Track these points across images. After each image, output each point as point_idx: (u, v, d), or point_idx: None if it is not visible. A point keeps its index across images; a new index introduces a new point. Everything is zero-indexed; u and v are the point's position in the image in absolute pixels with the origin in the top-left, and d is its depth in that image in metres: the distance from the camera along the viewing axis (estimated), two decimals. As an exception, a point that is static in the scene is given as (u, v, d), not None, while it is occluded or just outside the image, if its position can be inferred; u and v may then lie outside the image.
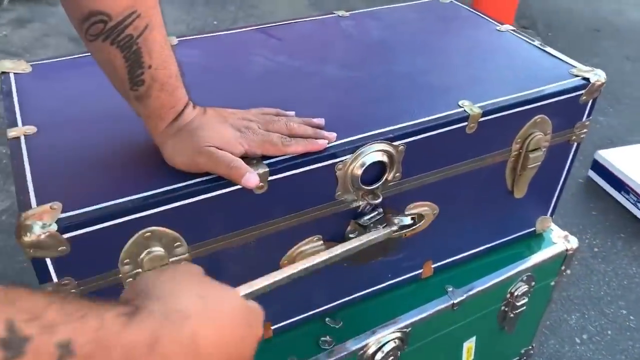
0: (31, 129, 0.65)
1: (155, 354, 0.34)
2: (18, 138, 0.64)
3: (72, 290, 0.58)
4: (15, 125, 0.66)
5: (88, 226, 0.54)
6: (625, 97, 2.04)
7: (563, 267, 0.99)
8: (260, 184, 0.61)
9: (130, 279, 0.60)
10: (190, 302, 0.39)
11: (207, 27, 2.48)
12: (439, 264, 0.89)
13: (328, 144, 0.65)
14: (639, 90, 2.09)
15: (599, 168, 1.62)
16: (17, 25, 2.47)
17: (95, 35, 0.53)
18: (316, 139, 0.64)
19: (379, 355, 0.81)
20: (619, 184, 1.55)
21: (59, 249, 0.54)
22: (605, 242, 1.45)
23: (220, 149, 0.58)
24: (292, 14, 2.61)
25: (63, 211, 0.54)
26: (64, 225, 0.53)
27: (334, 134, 0.65)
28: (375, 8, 1.00)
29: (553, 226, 0.98)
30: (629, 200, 1.53)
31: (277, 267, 0.72)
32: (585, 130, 0.85)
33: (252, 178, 0.58)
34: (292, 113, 0.67)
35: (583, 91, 0.79)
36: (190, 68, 0.66)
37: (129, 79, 0.55)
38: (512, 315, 0.97)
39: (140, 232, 0.58)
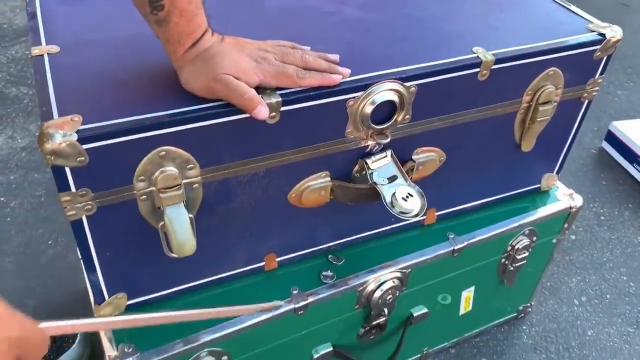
0: (54, 48, 0.68)
1: None
2: (42, 56, 0.66)
3: (89, 202, 0.61)
4: (40, 44, 0.69)
5: (106, 139, 0.57)
6: (647, 72, 2.02)
7: (566, 225, 1.00)
8: (272, 114, 0.63)
9: (144, 197, 0.63)
10: None
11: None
12: (442, 212, 0.91)
13: (342, 79, 0.66)
14: (661, 66, 2.06)
15: (613, 139, 1.62)
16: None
17: None
18: (331, 73, 0.66)
19: (378, 293, 0.84)
20: (632, 156, 1.55)
21: (78, 159, 0.56)
22: (613, 211, 1.46)
23: (236, 78, 0.60)
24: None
25: (83, 123, 0.57)
26: (84, 136, 0.56)
27: (348, 70, 0.67)
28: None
29: (559, 184, 1.00)
30: (640, 172, 1.53)
31: (284, 200, 0.74)
32: (597, 88, 0.85)
33: (263, 110, 0.61)
34: (308, 48, 0.69)
35: (598, 47, 0.79)
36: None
37: (149, 2, 0.57)
38: (511, 268, 0.99)
39: (156, 151, 0.60)
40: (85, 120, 0.57)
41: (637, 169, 1.54)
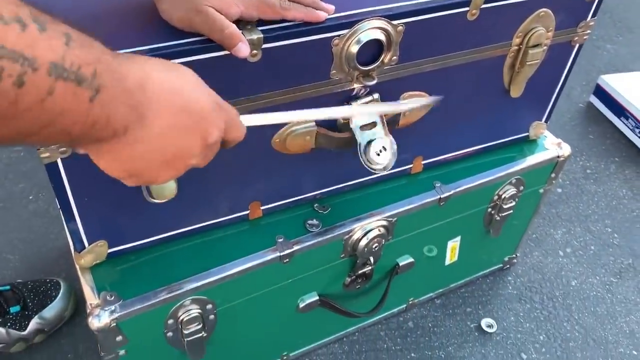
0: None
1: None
2: None
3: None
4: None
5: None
6: (636, 26, 1.99)
7: (553, 175, 1.00)
8: (254, 51, 0.61)
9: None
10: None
11: None
12: (429, 160, 0.90)
13: (327, 17, 0.63)
14: (651, 20, 2.04)
15: (601, 93, 1.60)
16: None
17: None
18: (315, 9, 0.63)
19: (364, 241, 0.83)
20: (620, 109, 1.54)
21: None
22: (599, 165, 1.46)
23: (217, 10, 0.57)
24: None
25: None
26: (55, 71, 0.53)
27: (332, 7, 0.64)
28: None
29: (547, 133, 0.99)
30: (627, 126, 1.52)
31: (268, 145, 0.72)
32: (588, 31, 0.83)
33: (243, 48, 0.58)
34: None
35: (591, -14, 0.77)
36: None
37: None
38: (498, 218, 0.99)
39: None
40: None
41: (624, 123, 1.54)
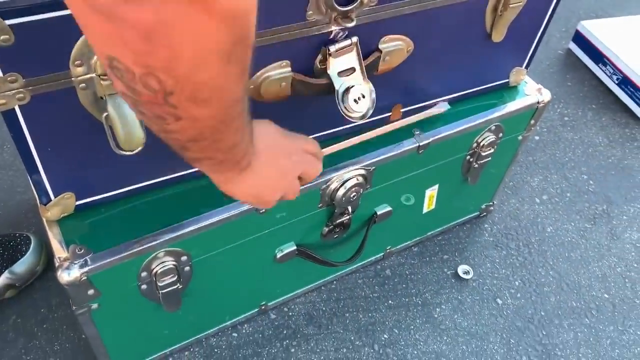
0: None
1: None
2: None
3: (20, 90, 0.55)
4: None
5: (34, 13, 0.50)
6: (617, -29, 1.96)
7: (532, 121, 0.98)
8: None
9: (83, 85, 0.57)
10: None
11: None
12: (408, 108, 0.87)
13: None
14: (632, -35, 2.00)
15: (580, 39, 1.58)
16: None
17: None
18: None
19: (342, 191, 0.82)
20: (598, 56, 1.53)
21: (2, 37, 0.50)
22: (576, 112, 1.46)
23: None
24: None
25: (3, -5, 0.49)
26: (5, 9, 0.49)
27: None
28: None
29: (527, 79, 0.97)
30: (605, 73, 1.51)
31: (242, 92, 0.69)
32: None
33: None
34: None
35: None
36: None
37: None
38: (476, 165, 0.98)
39: (92, 30, 0.53)
40: (6, -8, 0.50)
41: (602, 70, 1.53)
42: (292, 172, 0.63)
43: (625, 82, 1.46)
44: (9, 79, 0.53)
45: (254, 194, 0.58)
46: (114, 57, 0.35)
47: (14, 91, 0.54)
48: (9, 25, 0.49)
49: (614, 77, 1.49)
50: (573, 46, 1.62)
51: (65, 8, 0.51)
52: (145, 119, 0.41)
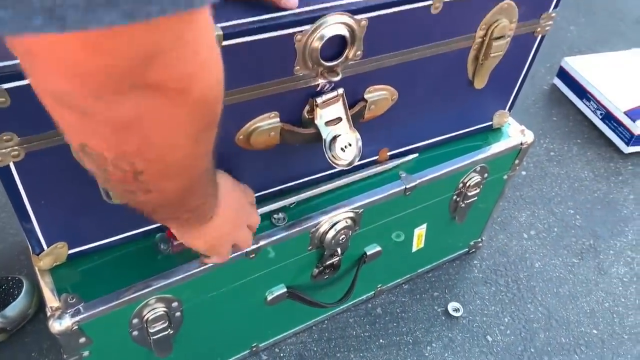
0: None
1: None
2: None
3: (15, 148, 0.56)
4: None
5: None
6: (599, 8, 2.02)
7: (517, 161, 1.01)
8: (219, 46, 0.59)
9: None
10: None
11: None
12: (394, 151, 0.90)
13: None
14: (612, 2, 2.06)
15: (564, 75, 1.63)
16: None
17: None
18: None
19: (331, 233, 0.83)
20: (582, 91, 1.57)
21: (-2, 100, 0.52)
22: (562, 147, 1.49)
23: None
24: None
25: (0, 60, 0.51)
26: (3, 74, 0.51)
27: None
28: None
29: (510, 120, 1.00)
30: (589, 108, 1.55)
31: (232, 142, 0.71)
32: (550, 22, 0.84)
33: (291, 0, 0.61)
34: None
35: (553, -22, 0.77)
36: None
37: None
38: (463, 205, 1.00)
39: (86, 91, 0.55)
40: (2, 56, 0.52)
41: (586, 105, 1.57)
42: (245, 223, 0.69)
43: (608, 117, 1.49)
44: (4, 138, 0.55)
45: (210, 246, 0.64)
46: (85, 144, 0.37)
47: (9, 149, 0.56)
48: (5, 88, 0.51)
49: (598, 112, 1.53)
50: (557, 82, 1.66)
51: (60, 71, 0.53)
52: (114, 192, 0.44)
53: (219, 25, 0.59)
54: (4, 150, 0.56)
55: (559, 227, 1.29)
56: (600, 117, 1.52)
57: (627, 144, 1.45)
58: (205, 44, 0.35)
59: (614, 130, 1.49)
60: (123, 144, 0.36)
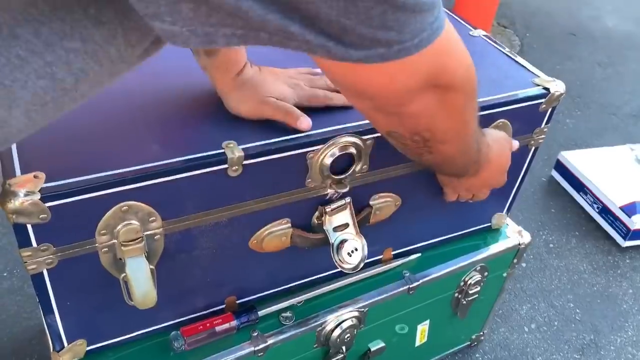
0: (17, 100, 0.68)
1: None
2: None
3: (50, 256, 0.61)
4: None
5: (69, 197, 0.58)
6: (593, 102, 2.12)
7: (515, 260, 1.05)
8: (234, 167, 0.65)
9: (106, 249, 0.64)
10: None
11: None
12: (398, 251, 0.94)
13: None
14: (606, 96, 2.16)
15: (561, 168, 1.69)
16: None
17: None
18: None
19: (337, 332, 0.87)
20: (579, 185, 1.63)
21: (40, 216, 0.57)
22: (561, 239, 1.53)
23: (278, 99, 0.70)
24: None
25: (46, 180, 0.57)
26: (47, 194, 0.56)
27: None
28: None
29: (508, 221, 1.05)
30: (586, 201, 1.61)
31: (245, 246, 0.76)
32: (543, 136, 0.91)
33: (305, 121, 0.69)
34: (319, 70, 0.75)
35: (543, 100, 0.84)
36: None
37: None
38: (464, 302, 1.04)
39: (118, 206, 0.61)
40: (48, 177, 0.58)
41: (583, 198, 1.62)
42: (505, 170, 0.81)
43: (605, 211, 1.55)
44: (41, 248, 0.60)
45: (487, 181, 0.80)
46: (393, 131, 0.57)
47: (44, 258, 0.61)
48: (48, 206, 0.57)
49: (595, 206, 1.58)
50: (555, 174, 1.73)
51: (97, 190, 0.59)
52: (407, 153, 0.62)
53: (241, 147, 0.65)
54: (39, 259, 0.61)
55: (560, 320, 1.31)
56: (597, 210, 1.57)
57: (624, 238, 1.49)
58: (457, 46, 0.49)
59: (611, 224, 1.53)
60: (417, 126, 0.54)
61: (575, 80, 2.22)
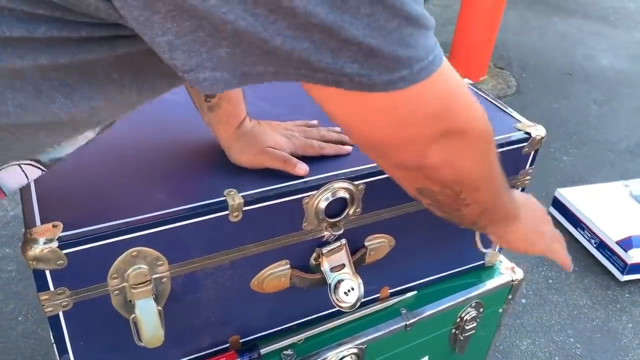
0: (37, 156, 0.74)
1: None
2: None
3: (66, 299, 0.67)
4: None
5: (84, 243, 0.63)
6: (589, 139, 2.17)
7: (510, 296, 1.09)
8: (235, 213, 0.71)
9: (117, 292, 0.69)
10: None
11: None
12: (395, 289, 0.98)
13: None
14: (602, 133, 2.22)
15: (559, 205, 1.74)
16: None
17: None
18: (342, 144, 0.80)
19: (336, 369, 0.90)
20: (576, 221, 1.67)
21: (58, 262, 0.63)
22: (560, 275, 1.56)
23: (275, 148, 0.76)
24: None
25: (64, 229, 0.63)
26: (64, 242, 0.62)
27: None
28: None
29: (502, 257, 1.09)
30: (584, 237, 1.64)
31: (247, 287, 0.81)
32: (528, 177, 0.96)
33: (302, 167, 0.75)
34: (315, 122, 0.84)
35: (525, 144, 0.90)
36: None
37: (205, 94, 0.71)
38: (462, 337, 1.07)
39: (129, 251, 0.67)
40: (65, 226, 0.63)
41: (581, 233, 1.66)
42: (547, 225, 0.84)
43: (602, 246, 1.58)
44: (57, 292, 0.65)
45: (524, 240, 0.78)
46: (421, 188, 0.57)
47: (60, 301, 0.66)
48: (65, 253, 0.62)
49: (592, 241, 1.61)
50: (553, 210, 1.77)
51: (109, 237, 0.64)
52: (445, 215, 0.63)
53: (241, 194, 0.71)
54: (56, 302, 0.66)
55: (560, 356, 1.33)
56: (595, 245, 1.60)
57: (622, 272, 1.52)
58: (461, 89, 0.51)
59: (608, 259, 1.56)
60: (443, 179, 0.54)
61: (571, 118, 2.28)
